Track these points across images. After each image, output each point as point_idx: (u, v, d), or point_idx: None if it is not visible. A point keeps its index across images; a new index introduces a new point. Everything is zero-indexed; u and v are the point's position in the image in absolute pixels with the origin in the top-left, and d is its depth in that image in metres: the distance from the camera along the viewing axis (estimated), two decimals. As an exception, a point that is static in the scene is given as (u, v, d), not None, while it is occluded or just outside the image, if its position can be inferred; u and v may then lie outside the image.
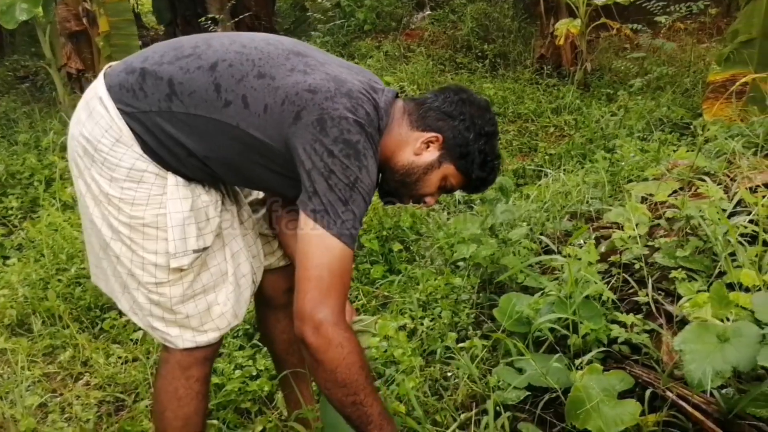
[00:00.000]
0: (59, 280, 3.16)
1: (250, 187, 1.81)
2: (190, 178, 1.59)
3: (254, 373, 2.56)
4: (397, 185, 1.67)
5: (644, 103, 5.31)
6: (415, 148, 1.62)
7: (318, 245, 1.44)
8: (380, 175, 1.65)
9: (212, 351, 1.75)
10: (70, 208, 3.86)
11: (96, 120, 1.57)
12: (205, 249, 1.63)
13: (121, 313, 2.99)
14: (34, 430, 2.33)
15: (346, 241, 1.45)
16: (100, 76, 1.63)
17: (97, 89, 1.59)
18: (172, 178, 1.57)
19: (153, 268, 1.61)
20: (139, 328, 2.87)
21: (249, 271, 1.76)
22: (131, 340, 2.84)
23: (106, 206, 1.59)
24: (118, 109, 1.55)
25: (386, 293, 2.97)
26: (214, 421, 2.31)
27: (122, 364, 2.72)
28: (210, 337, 1.70)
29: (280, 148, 1.52)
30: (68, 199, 3.91)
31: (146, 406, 2.43)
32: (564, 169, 4.07)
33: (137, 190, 1.57)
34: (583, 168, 4.07)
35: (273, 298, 2.01)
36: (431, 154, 1.62)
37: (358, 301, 2.96)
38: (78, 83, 6.40)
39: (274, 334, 2.08)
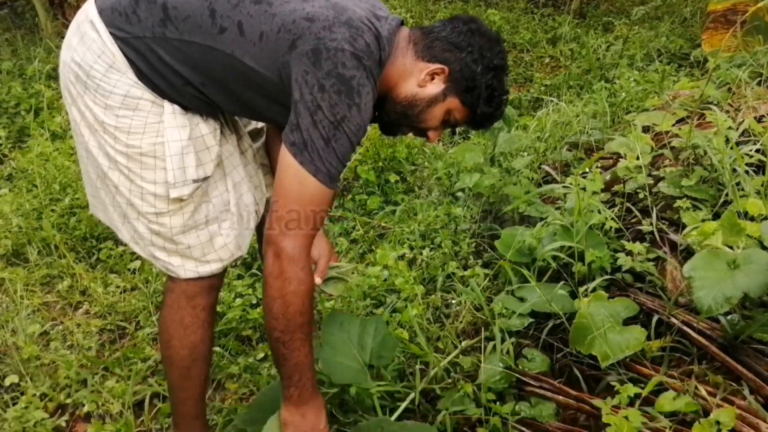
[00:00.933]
0: (53, 210, 3.11)
1: (248, 117, 1.76)
2: (186, 107, 1.55)
3: (254, 302, 2.57)
4: (399, 117, 1.60)
5: (643, 33, 5.22)
6: (419, 80, 1.55)
7: (293, 178, 1.42)
8: (383, 106, 1.59)
9: (218, 280, 1.75)
10: (59, 138, 3.77)
11: (88, 45, 1.51)
12: (205, 179, 1.60)
13: (117, 243, 2.97)
14: (37, 357, 2.33)
15: (322, 180, 1.41)
16: None
17: (88, 12, 1.52)
18: (168, 107, 1.53)
19: (152, 198, 1.58)
20: (137, 258, 2.86)
21: (251, 201, 1.74)
22: (129, 269, 2.82)
23: (102, 135, 1.55)
24: (110, 33, 1.48)
25: (384, 224, 2.96)
26: (217, 348, 2.33)
27: (121, 293, 2.71)
28: (213, 267, 1.69)
29: (274, 78, 1.46)
30: (57, 129, 3.81)
31: (148, 334, 2.44)
32: (562, 100, 4.02)
33: (133, 119, 1.52)
34: (581, 99, 4.02)
35: None
36: (436, 87, 1.55)
37: (356, 231, 2.95)
38: (60, 9, 6.14)
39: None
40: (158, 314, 2.13)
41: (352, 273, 2.01)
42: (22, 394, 2.21)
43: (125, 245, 2.93)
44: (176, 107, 1.54)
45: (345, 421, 1.83)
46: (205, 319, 1.73)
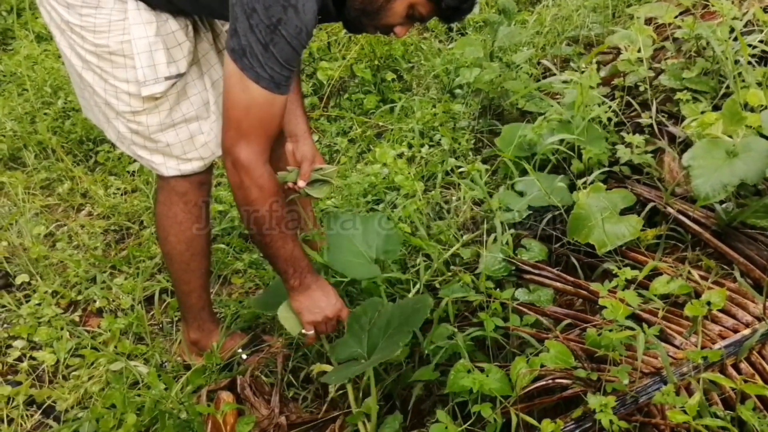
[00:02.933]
0: (46, 114, 3.08)
1: (207, 16, 1.70)
2: (151, 5, 1.52)
3: (255, 201, 2.60)
4: (359, 15, 1.50)
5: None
6: None
7: (236, 86, 1.40)
8: (343, 3, 1.49)
9: (206, 176, 1.77)
10: (45, 39, 3.66)
11: None
12: (178, 76, 1.59)
13: (114, 146, 2.95)
14: (46, 256, 2.38)
15: (266, 86, 1.39)
16: None
17: None
18: (132, 3, 1.51)
19: (127, 97, 1.59)
20: (136, 160, 2.86)
21: None
22: (128, 172, 2.83)
23: (70, 35, 1.55)
24: None
25: (381, 123, 2.95)
26: (221, 246, 2.38)
27: (122, 195, 2.73)
28: (194, 165, 1.71)
29: None
30: (42, 30, 3.70)
31: (152, 233, 2.47)
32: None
33: (96, 17, 1.51)
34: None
35: None
36: None
37: (353, 131, 2.95)
38: None
39: (279, 160, 2.07)
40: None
41: (337, 175, 2.01)
42: (34, 292, 2.28)
43: (122, 147, 2.94)
44: (140, 3, 1.51)
45: (353, 310, 1.90)
46: (198, 215, 1.78)
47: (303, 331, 1.66)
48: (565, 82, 2.42)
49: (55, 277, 2.33)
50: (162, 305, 2.24)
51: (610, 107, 2.18)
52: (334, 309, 1.62)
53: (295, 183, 1.76)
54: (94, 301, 2.26)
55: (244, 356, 1.95)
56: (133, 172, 2.82)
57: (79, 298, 2.28)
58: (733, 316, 1.61)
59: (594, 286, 1.69)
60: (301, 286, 1.59)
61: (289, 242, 1.55)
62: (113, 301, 2.26)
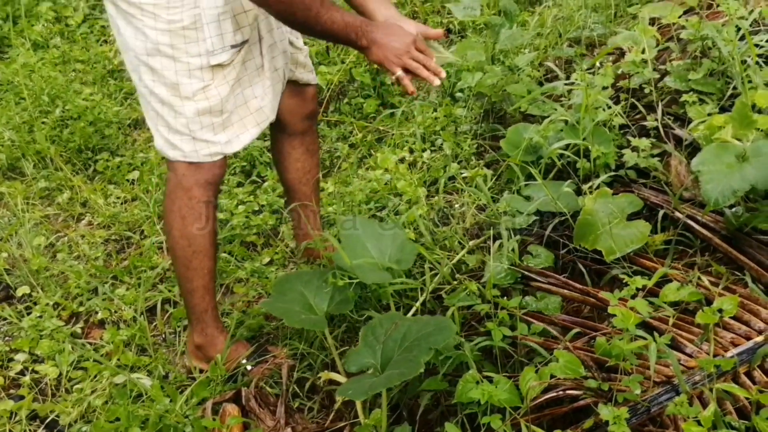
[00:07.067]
0: (44, 123, 3.05)
1: None
2: None
3: (256, 208, 2.59)
4: None
5: None
6: None
7: None
8: None
9: (212, 175, 1.77)
10: (41, 47, 3.64)
11: None
12: (243, 43, 1.65)
13: (114, 154, 2.94)
14: (46, 268, 2.35)
15: None
16: None
17: None
18: None
19: (199, 72, 1.62)
20: (135, 169, 2.84)
21: (282, 65, 1.81)
22: (128, 180, 2.81)
23: (141, 18, 1.58)
24: None
25: (382, 127, 2.93)
26: (223, 255, 2.35)
27: (122, 204, 2.71)
28: (252, 133, 1.76)
29: None
30: (38, 38, 3.68)
31: (153, 243, 2.45)
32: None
33: None
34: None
35: (290, 125, 2.00)
36: None
37: (354, 136, 2.92)
38: None
39: (289, 162, 2.08)
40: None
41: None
42: (35, 303, 2.25)
43: (122, 156, 2.92)
44: None
45: (357, 318, 1.88)
46: (201, 212, 1.79)
47: (394, 77, 1.66)
48: (571, 83, 2.40)
49: (57, 289, 2.31)
50: (165, 316, 2.22)
51: (618, 109, 2.16)
52: (407, 37, 1.64)
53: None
54: (96, 313, 2.23)
55: (249, 367, 1.93)
56: (133, 180, 2.80)
57: (81, 309, 2.26)
58: (746, 323, 1.59)
59: (603, 294, 1.66)
60: (370, 41, 1.62)
61: (335, 14, 1.58)
62: (115, 312, 2.23)
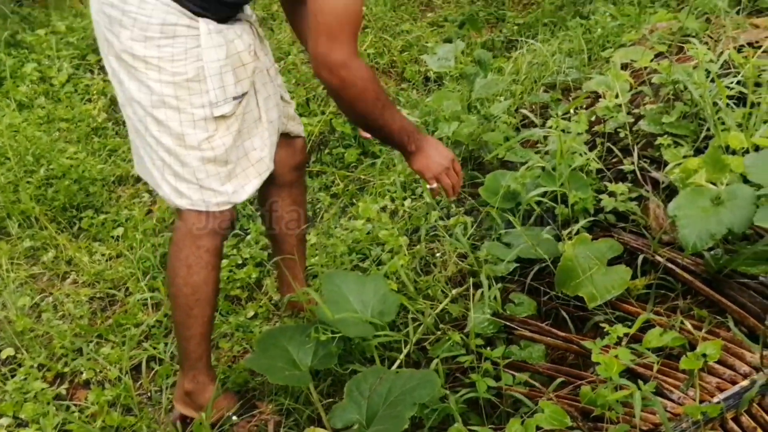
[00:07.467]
0: (29, 182, 3.06)
1: None
2: (217, 21, 1.62)
3: (240, 262, 2.58)
4: None
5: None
6: None
7: None
8: None
9: (221, 224, 1.80)
10: (26, 108, 3.67)
11: None
12: (243, 95, 1.70)
13: (98, 212, 2.94)
14: (31, 329, 2.34)
15: None
16: None
17: None
18: (203, 26, 1.61)
19: (203, 123, 1.67)
20: (119, 225, 2.84)
21: (276, 117, 1.85)
22: (112, 237, 2.80)
23: (144, 71, 1.61)
24: None
25: (362, 176, 2.95)
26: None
27: (107, 261, 2.70)
28: (254, 183, 1.79)
29: None
30: (23, 99, 3.71)
31: (138, 300, 2.44)
32: (536, 40, 3.97)
33: (174, 46, 1.60)
34: (556, 37, 3.97)
35: (279, 175, 2.01)
36: None
37: (336, 186, 2.95)
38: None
39: (277, 213, 2.09)
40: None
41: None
42: (20, 366, 2.22)
43: (106, 213, 2.93)
44: (210, 26, 1.61)
45: (342, 372, 1.87)
46: (208, 261, 1.80)
47: (429, 187, 1.80)
48: (548, 128, 2.43)
49: (41, 350, 2.28)
50: (150, 374, 2.20)
51: (593, 155, 2.19)
52: (449, 157, 1.78)
53: None
54: (81, 373, 2.21)
55: (234, 418, 1.91)
56: (117, 237, 2.80)
57: (66, 370, 2.23)
58: (730, 367, 1.59)
59: (587, 343, 1.66)
60: (418, 148, 1.73)
61: (396, 114, 1.68)
62: (100, 372, 2.21)
